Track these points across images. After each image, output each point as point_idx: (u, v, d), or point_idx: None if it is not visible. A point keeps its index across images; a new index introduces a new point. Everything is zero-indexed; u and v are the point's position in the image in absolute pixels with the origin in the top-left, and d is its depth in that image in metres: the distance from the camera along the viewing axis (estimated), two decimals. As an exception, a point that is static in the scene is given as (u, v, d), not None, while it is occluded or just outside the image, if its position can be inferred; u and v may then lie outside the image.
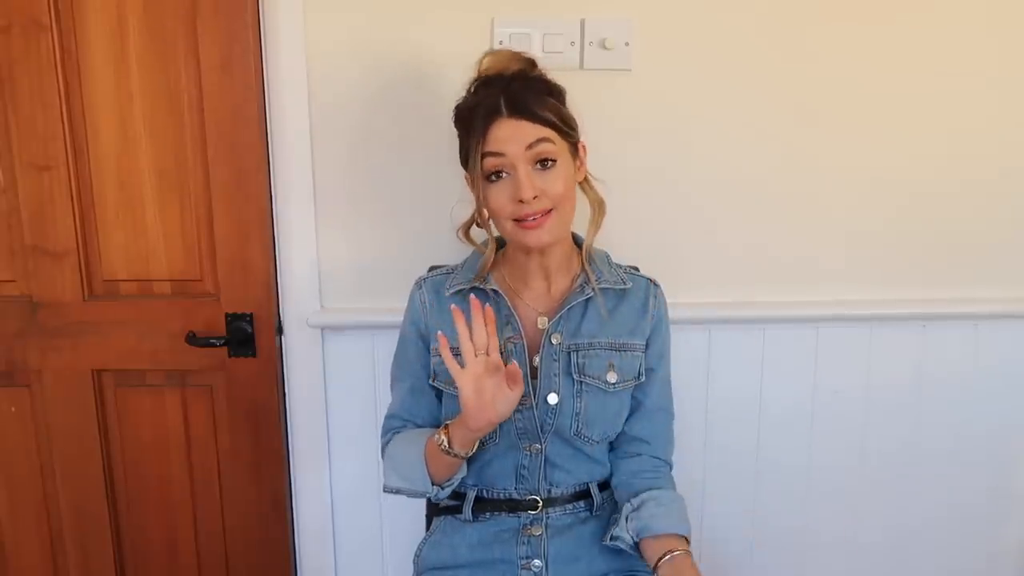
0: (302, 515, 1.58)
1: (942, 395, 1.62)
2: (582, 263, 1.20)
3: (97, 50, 1.40)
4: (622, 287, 1.20)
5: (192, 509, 1.60)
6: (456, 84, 1.15)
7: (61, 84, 1.40)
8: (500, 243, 1.22)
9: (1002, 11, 1.47)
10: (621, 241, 1.34)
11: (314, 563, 1.60)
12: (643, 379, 1.20)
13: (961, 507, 1.68)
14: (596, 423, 1.17)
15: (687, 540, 1.12)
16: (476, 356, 1.04)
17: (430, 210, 1.44)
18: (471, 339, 1.04)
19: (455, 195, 1.25)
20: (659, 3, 1.42)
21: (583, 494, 1.22)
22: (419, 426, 1.21)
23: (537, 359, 1.16)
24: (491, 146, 1.07)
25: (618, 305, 1.20)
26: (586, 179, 1.18)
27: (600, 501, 1.22)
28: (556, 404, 1.15)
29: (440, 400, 1.21)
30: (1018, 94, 1.51)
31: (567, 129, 1.11)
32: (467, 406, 1.04)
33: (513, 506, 1.20)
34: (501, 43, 1.38)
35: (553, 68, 1.14)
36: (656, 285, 1.24)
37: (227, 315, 1.49)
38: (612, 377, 1.16)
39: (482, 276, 1.18)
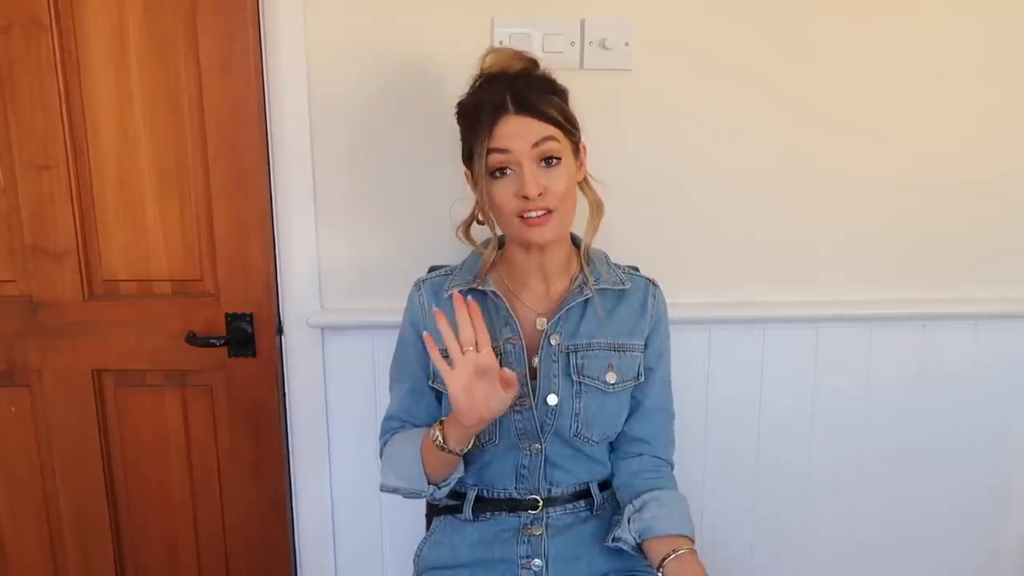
0: (302, 515, 1.58)
1: (942, 395, 1.62)
2: (580, 264, 1.20)
3: (97, 50, 1.40)
4: (621, 287, 1.20)
5: (192, 509, 1.59)
6: (456, 84, 1.15)
7: (61, 84, 1.40)
8: (499, 244, 1.22)
9: (1002, 11, 1.47)
10: (621, 241, 1.34)
11: (314, 563, 1.60)
12: (642, 379, 1.20)
13: (961, 506, 1.68)
14: (596, 423, 1.17)
15: (691, 540, 1.11)
16: (464, 353, 1.02)
17: (430, 210, 1.44)
18: (457, 338, 1.03)
19: (455, 195, 1.24)
20: (659, 3, 1.42)
21: (583, 494, 1.22)
22: (418, 427, 1.21)
23: (536, 360, 1.16)
24: (497, 142, 1.06)
25: (617, 305, 1.20)
26: (585, 179, 1.18)
27: (600, 501, 1.22)
28: (556, 405, 1.15)
29: (440, 401, 1.21)
30: (1018, 94, 1.51)
31: (571, 128, 1.11)
32: (457, 405, 1.03)
33: (513, 506, 1.20)
34: (501, 43, 1.38)
35: (553, 68, 1.14)
36: (655, 285, 1.24)
37: (227, 315, 1.49)
38: (611, 377, 1.16)
39: (482, 276, 1.18)
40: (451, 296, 1.18)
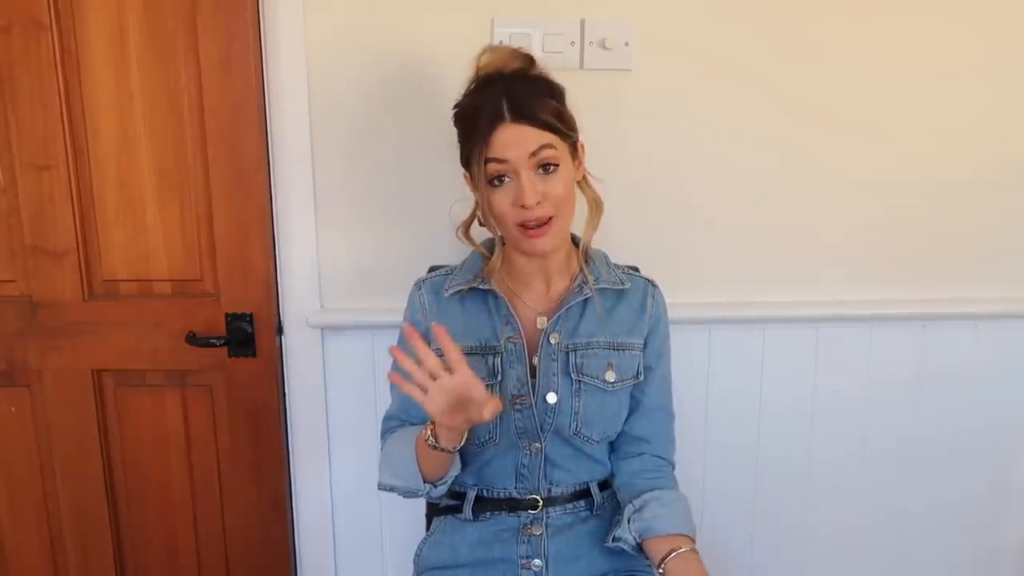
0: (302, 515, 1.58)
1: (942, 395, 1.62)
2: (580, 263, 1.20)
3: (97, 50, 1.40)
4: (620, 287, 1.20)
5: (192, 509, 1.59)
6: (457, 84, 1.15)
7: (61, 84, 1.40)
8: (501, 243, 1.22)
9: (1002, 11, 1.47)
10: (621, 241, 1.34)
11: (314, 563, 1.60)
12: (642, 378, 1.20)
13: (961, 505, 1.68)
14: (595, 422, 1.17)
15: (692, 540, 1.11)
16: (436, 380, 1.00)
17: (430, 210, 1.44)
18: (423, 369, 1.00)
19: (455, 195, 1.24)
20: (659, 3, 1.42)
21: (583, 493, 1.22)
22: (416, 425, 1.21)
23: (536, 359, 1.16)
24: (494, 152, 1.06)
25: (616, 305, 1.20)
26: (584, 178, 1.18)
27: (600, 500, 1.22)
28: (555, 404, 1.15)
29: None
30: (1018, 94, 1.51)
31: (568, 131, 1.10)
32: (440, 421, 1.03)
33: (513, 505, 1.20)
34: (501, 43, 1.37)
35: (553, 68, 1.14)
36: (654, 285, 1.24)
37: (227, 315, 1.49)
38: (610, 376, 1.16)
39: (484, 277, 1.17)
40: (452, 295, 1.19)
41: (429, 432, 1.08)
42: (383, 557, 1.61)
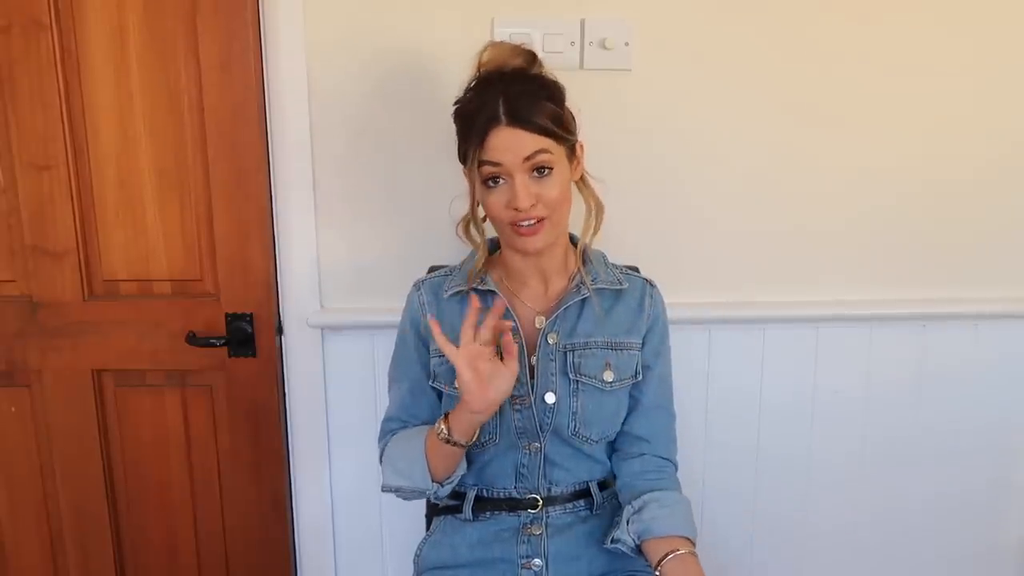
0: (302, 515, 1.58)
1: (942, 395, 1.62)
2: (578, 264, 1.20)
3: (97, 50, 1.40)
4: (618, 287, 1.20)
5: (192, 509, 1.60)
6: (457, 85, 1.15)
7: (61, 84, 1.40)
8: (497, 244, 1.23)
9: (1001, 11, 1.47)
10: (621, 241, 1.34)
11: (314, 563, 1.60)
12: (640, 377, 1.20)
13: (961, 505, 1.68)
14: (594, 422, 1.17)
15: (692, 542, 1.11)
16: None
17: (430, 210, 1.44)
18: (472, 332, 1.04)
19: (455, 195, 1.24)
20: (659, 3, 1.42)
21: (583, 493, 1.22)
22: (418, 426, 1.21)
23: (534, 359, 1.16)
24: (489, 155, 1.07)
25: (614, 305, 1.20)
26: (583, 179, 1.18)
27: (600, 500, 1.22)
28: (553, 403, 1.15)
29: (440, 400, 1.21)
30: (1018, 94, 1.51)
31: (564, 134, 1.10)
32: (467, 387, 1.03)
33: (513, 505, 1.20)
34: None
35: (553, 68, 1.14)
36: (652, 285, 1.24)
37: (227, 315, 1.49)
38: (609, 376, 1.16)
39: (473, 279, 1.18)
40: (451, 296, 1.19)
41: (443, 426, 1.08)
42: (383, 557, 1.61)
